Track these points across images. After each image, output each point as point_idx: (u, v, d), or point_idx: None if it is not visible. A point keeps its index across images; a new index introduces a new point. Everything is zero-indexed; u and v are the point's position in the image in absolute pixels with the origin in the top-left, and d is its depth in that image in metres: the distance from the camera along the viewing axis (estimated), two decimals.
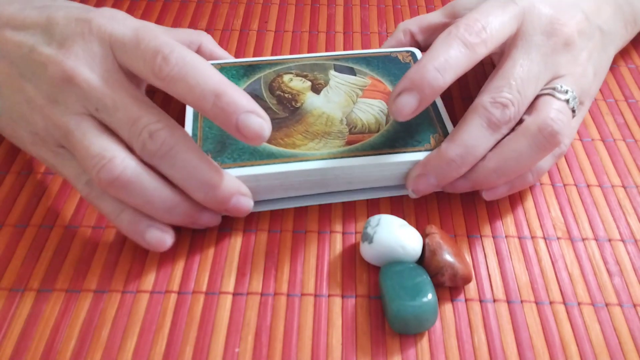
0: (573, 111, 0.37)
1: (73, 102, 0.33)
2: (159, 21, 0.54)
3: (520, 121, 0.37)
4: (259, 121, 0.32)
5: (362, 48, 0.52)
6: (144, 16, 0.54)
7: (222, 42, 0.52)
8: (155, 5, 0.56)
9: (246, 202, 0.35)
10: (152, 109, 0.33)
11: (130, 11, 0.55)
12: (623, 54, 0.52)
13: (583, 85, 0.39)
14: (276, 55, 0.51)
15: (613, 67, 0.51)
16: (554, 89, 0.37)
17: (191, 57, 0.32)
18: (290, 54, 0.51)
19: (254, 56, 0.50)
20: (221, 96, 0.32)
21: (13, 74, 0.35)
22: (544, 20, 0.38)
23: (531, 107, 0.37)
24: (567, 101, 0.37)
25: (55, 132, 0.34)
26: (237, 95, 0.32)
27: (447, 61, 0.34)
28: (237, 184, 0.35)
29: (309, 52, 0.51)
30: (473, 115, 0.36)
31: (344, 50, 0.51)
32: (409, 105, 0.35)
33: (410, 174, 0.37)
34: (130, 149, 0.33)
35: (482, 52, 0.36)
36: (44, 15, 0.35)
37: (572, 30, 0.39)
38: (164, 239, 0.34)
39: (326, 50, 0.51)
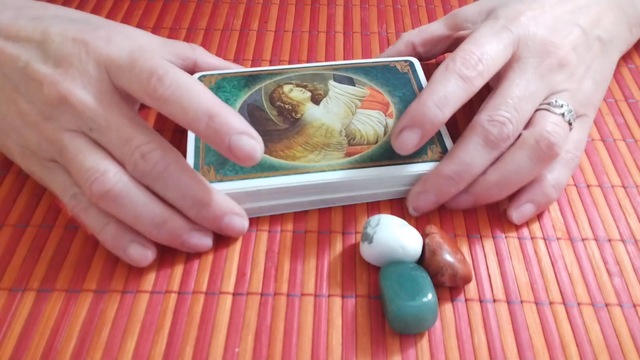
0: (570, 124, 0.38)
1: (67, 120, 0.34)
2: (159, 21, 0.54)
3: (519, 137, 0.37)
4: (251, 142, 0.33)
5: (362, 49, 0.52)
6: (144, 16, 0.54)
7: (222, 42, 0.52)
8: (155, 5, 0.56)
9: (239, 222, 0.36)
10: (144, 130, 0.34)
11: (130, 11, 0.55)
12: (623, 55, 0.51)
13: (580, 99, 0.40)
14: (276, 56, 0.51)
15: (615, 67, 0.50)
16: (549, 104, 0.38)
17: (185, 78, 0.33)
18: (290, 54, 0.51)
19: (253, 56, 0.50)
20: (214, 117, 0.32)
21: (6, 86, 0.35)
22: (538, 43, 0.39)
23: (528, 122, 0.38)
24: (563, 115, 0.38)
25: (49, 147, 0.35)
26: (229, 117, 0.32)
27: (446, 97, 0.36)
28: (230, 203, 0.36)
29: (309, 52, 0.51)
30: (471, 133, 0.37)
31: (344, 53, 0.51)
32: (411, 141, 0.36)
33: (411, 192, 0.38)
34: (122, 165, 0.34)
35: (479, 84, 0.37)
36: (39, 29, 0.36)
37: (567, 50, 0.40)
38: (146, 254, 0.35)
39: (326, 51, 0.51)
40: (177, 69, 0.33)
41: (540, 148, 0.36)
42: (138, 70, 0.33)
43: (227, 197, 0.36)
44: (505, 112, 0.37)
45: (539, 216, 0.39)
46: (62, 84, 0.34)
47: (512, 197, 0.39)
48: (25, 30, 0.36)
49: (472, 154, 0.36)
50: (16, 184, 0.40)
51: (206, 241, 0.36)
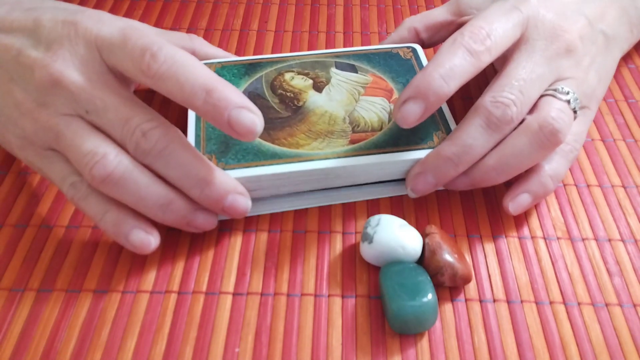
0: (575, 112, 0.38)
1: (62, 104, 0.33)
2: (159, 21, 0.54)
3: (522, 121, 0.37)
4: (250, 116, 0.32)
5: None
6: (144, 16, 0.54)
7: (222, 42, 0.52)
8: (155, 5, 0.56)
9: (243, 202, 0.35)
10: (143, 109, 0.33)
11: (130, 11, 0.55)
12: (623, 55, 0.51)
13: (585, 89, 0.39)
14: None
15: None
16: (555, 90, 0.37)
17: (180, 54, 0.32)
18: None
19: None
20: (212, 92, 0.31)
21: (2, 78, 0.35)
22: (547, 26, 0.38)
23: (533, 107, 0.37)
24: (569, 102, 0.37)
25: (45, 134, 0.34)
26: (228, 91, 0.32)
27: (452, 69, 0.35)
28: (233, 182, 0.35)
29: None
30: (473, 114, 0.36)
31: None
32: (414, 113, 0.35)
33: (410, 173, 0.38)
34: (122, 148, 0.33)
35: (486, 60, 0.36)
36: (31, 18, 0.35)
37: (574, 36, 0.39)
38: (148, 240, 0.34)
39: None
40: (170, 45, 0.32)
41: (544, 134, 0.36)
42: (130, 48, 0.32)
43: (230, 175, 0.35)
44: (510, 93, 0.36)
45: (539, 216, 0.39)
46: (53, 65, 0.33)
47: (509, 188, 0.38)
48: (18, 21, 0.35)
49: (473, 135, 0.36)
50: (16, 184, 0.40)
51: (212, 220, 0.35)
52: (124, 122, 0.32)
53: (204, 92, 0.31)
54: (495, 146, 0.36)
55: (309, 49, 0.51)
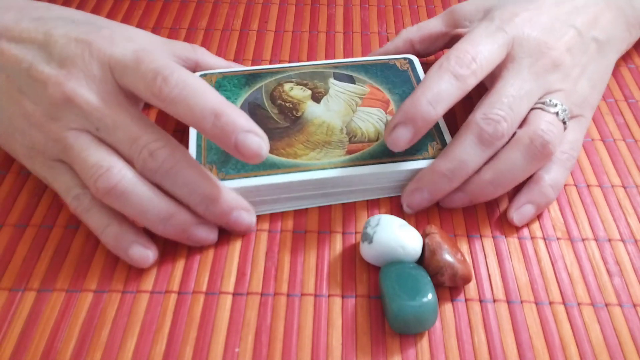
0: (564, 122, 0.38)
1: (72, 120, 0.34)
2: (159, 21, 0.54)
3: (514, 136, 0.38)
4: (257, 140, 0.33)
5: (362, 48, 0.52)
6: (144, 16, 0.54)
7: (222, 42, 0.52)
8: (155, 5, 0.56)
9: (247, 218, 0.36)
10: (151, 128, 0.34)
11: (130, 11, 0.55)
12: (623, 55, 0.51)
13: (575, 99, 0.40)
14: (276, 56, 0.51)
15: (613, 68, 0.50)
16: (543, 103, 0.38)
17: (191, 78, 0.33)
18: (290, 54, 0.51)
19: (253, 56, 0.50)
20: (220, 116, 0.32)
21: (11, 87, 0.36)
22: (532, 44, 0.39)
23: (523, 122, 0.38)
24: (557, 113, 0.38)
25: (54, 146, 0.35)
26: (235, 115, 0.33)
27: (439, 94, 0.36)
28: (238, 199, 0.36)
29: (309, 52, 0.51)
30: (466, 131, 0.37)
31: (344, 53, 0.51)
32: (404, 137, 0.36)
33: (405, 190, 0.38)
34: (130, 164, 0.34)
35: (472, 83, 0.37)
36: (42, 31, 0.36)
37: (561, 51, 0.40)
38: (147, 255, 0.35)
39: (326, 51, 0.51)
40: (182, 68, 0.33)
41: (535, 146, 0.37)
42: (143, 71, 0.33)
43: (235, 193, 0.36)
44: (500, 110, 0.37)
45: (539, 216, 0.39)
46: (67, 84, 0.34)
47: (512, 199, 0.39)
48: (28, 32, 0.36)
49: (466, 151, 0.37)
50: (16, 184, 0.40)
51: (212, 235, 0.36)
52: (132, 141, 0.33)
53: (212, 116, 0.32)
54: (489, 161, 0.37)
55: (309, 50, 0.51)
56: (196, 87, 0.33)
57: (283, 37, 0.53)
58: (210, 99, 0.33)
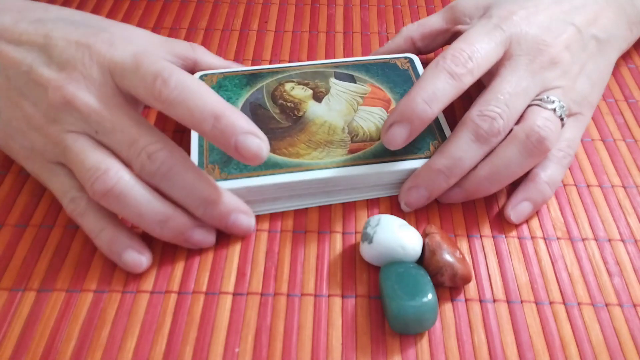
0: (561, 119, 0.38)
1: (71, 123, 0.34)
2: (159, 21, 0.54)
3: (511, 132, 0.38)
4: (257, 142, 0.33)
5: (362, 48, 0.52)
6: (144, 16, 0.54)
7: (222, 42, 0.52)
8: (155, 5, 0.56)
9: (246, 221, 0.36)
10: (150, 131, 0.34)
11: (130, 11, 0.55)
12: (623, 54, 0.51)
13: (574, 96, 0.40)
14: (276, 56, 0.51)
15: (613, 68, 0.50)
16: (541, 99, 0.38)
17: (190, 80, 0.33)
18: (290, 54, 0.51)
19: (253, 56, 0.50)
20: (220, 118, 0.32)
21: (10, 90, 0.36)
22: (530, 42, 0.39)
23: (520, 118, 0.38)
24: (554, 110, 0.38)
25: (53, 149, 0.35)
26: (235, 117, 0.33)
27: (435, 93, 0.36)
28: (237, 201, 0.36)
29: (309, 52, 0.51)
30: (462, 128, 0.37)
31: (344, 53, 0.51)
32: (400, 136, 0.36)
33: (403, 187, 0.38)
34: (128, 166, 0.34)
35: (468, 81, 0.37)
36: (41, 34, 0.36)
37: (559, 49, 0.40)
38: (140, 261, 0.35)
39: (326, 51, 0.51)
40: (181, 71, 0.33)
41: (531, 142, 0.37)
42: (143, 73, 0.33)
43: (234, 195, 0.36)
44: (496, 107, 0.37)
45: (539, 216, 0.39)
46: (67, 87, 0.34)
47: (509, 197, 0.39)
48: (27, 34, 0.36)
49: (463, 148, 0.37)
50: (16, 184, 0.40)
51: (210, 237, 0.36)
52: (131, 143, 0.33)
53: (212, 118, 0.32)
54: (485, 157, 0.37)
55: (309, 50, 0.51)
56: (195, 89, 0.33)
57: (283, 37, 0.53)
58: (210, 101, 0.33)
